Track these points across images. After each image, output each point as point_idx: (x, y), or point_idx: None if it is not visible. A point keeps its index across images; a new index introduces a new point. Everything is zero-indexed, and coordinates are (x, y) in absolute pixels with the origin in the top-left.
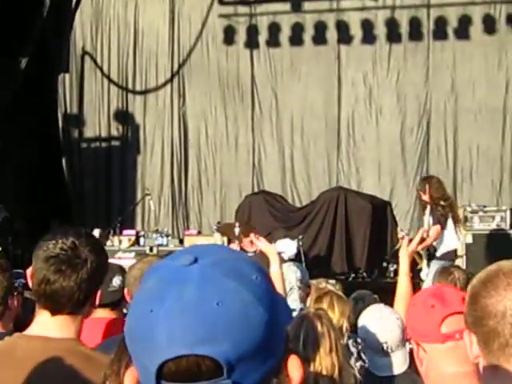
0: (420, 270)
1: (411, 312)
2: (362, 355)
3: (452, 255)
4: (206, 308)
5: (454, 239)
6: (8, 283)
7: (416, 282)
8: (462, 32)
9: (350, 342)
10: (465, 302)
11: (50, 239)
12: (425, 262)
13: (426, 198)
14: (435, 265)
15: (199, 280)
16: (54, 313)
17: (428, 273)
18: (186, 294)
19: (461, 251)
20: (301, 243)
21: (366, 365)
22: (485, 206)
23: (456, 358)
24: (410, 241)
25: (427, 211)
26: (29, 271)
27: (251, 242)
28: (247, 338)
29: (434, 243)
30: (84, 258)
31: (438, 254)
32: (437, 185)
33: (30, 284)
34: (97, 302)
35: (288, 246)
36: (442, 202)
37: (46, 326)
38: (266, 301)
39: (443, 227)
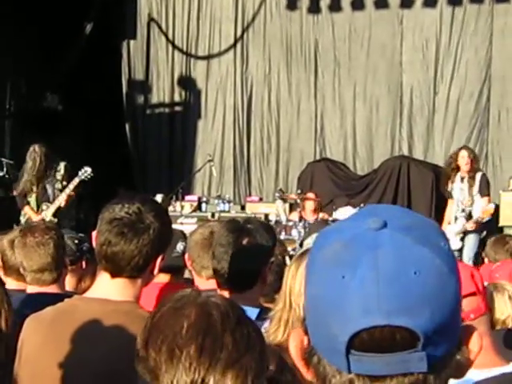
0: None
1: None
2: None
3: (480, 227)
4: (403, 277)
5: None
6: (61, 243)
7: None
8: None
9: None
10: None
11: (116, 203)
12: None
13: (468, 166)
14: (474, 235)
15: (392, 247)
16: (113, 275)
17: (465, 242)
18: (381, 261)
19: None
20: None
21: None
22: None
23: None
24: None
25: (466, 179)
26: (94, 233)
27: (313, 211)
28: (443, 309)
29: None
30: (147, 224)
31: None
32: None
33: (94, 245)
34: (156, 270)
35: (349, 214)
36: (481, 172)
37: (106, 288)
38: (456, 270)
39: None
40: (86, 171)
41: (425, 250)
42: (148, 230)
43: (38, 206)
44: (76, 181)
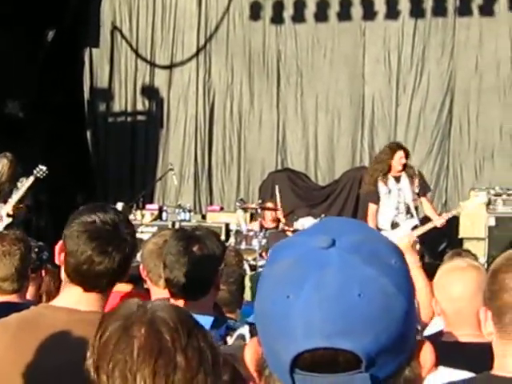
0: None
1: None
2: None
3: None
4: (346, 299)
5: None
6: (27, 255)
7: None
8: (488, 9)
9: None
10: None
11: (88, 215)
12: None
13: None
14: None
15: (338, 267)
16: (86, 290)
17: None
18: (326, 282)
19: (483, 234)
20: None
21: None
22: (508, 189)
23: None
24: None
25: (402, 178)
26: (57, 246)
27: (273, 220)
28: (388, 331)
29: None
30: (123, 238)
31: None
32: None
33: (56, 258)
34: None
35: (309, 225)
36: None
37: (74, 299)
38: (406, 288)
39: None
40: (42, 169)
41: (371, 270)
42: (125, 244)
43: None
44: (31, 179)
